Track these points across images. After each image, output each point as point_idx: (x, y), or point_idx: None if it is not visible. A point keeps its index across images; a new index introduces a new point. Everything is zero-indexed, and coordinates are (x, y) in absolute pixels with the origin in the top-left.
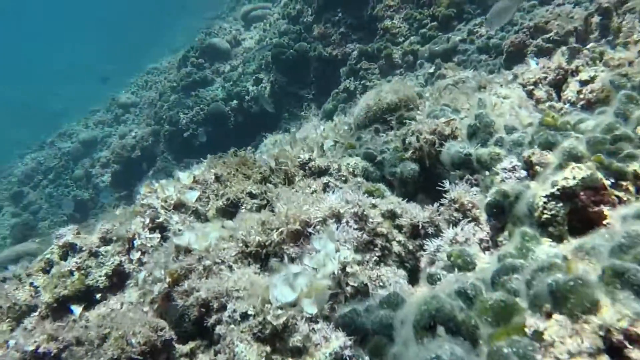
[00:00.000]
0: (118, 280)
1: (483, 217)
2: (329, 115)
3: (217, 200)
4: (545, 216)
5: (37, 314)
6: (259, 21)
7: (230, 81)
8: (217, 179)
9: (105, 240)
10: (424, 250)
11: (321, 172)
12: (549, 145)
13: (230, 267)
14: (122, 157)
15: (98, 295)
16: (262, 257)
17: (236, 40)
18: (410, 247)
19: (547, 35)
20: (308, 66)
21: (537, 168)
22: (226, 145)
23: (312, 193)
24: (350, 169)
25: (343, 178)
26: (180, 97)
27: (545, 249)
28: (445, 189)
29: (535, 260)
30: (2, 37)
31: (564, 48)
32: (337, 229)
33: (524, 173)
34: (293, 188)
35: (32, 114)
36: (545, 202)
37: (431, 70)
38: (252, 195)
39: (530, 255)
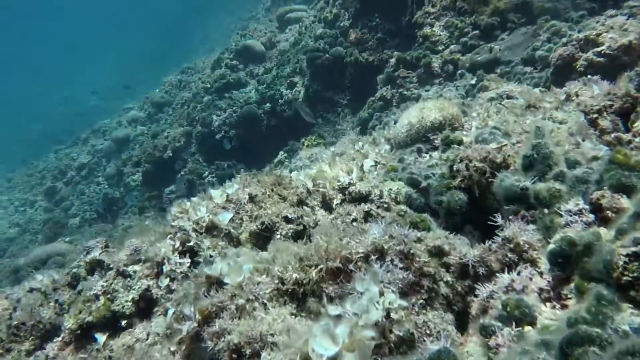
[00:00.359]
0: (145, 305)
1: (542, 262)
2: (364, 124)
3: (251, 222)
4: (626, 278)
5: (60, 339)
6: (294, 23)
7: (264, 84)
8: (252, 199)
9: (134, 260)
10: (475, 295)
11: (362, 198)
12: (621, 188)
13: (264, 305)
14: (154, 157)
15: (124, 322)
16: (299, 295)
17: (271, 42)
18: (459, 289)
19: (599, 49)
20: (343, 71)
21: (608, 213)
22: (258, 148)
23: (353, 222)
24: (393, 195)
25: (385, 205)
26: (214, 98)
27: (627, 318)
28: (497, 223)
29: (615, 329)
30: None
31: (631, 73)
32: (380, 267)
33: (591, 217)
34: (331, 214)
35: (69, 109)
36: (626, 262)
37: (472, 82)
38: (287, 220)
39: (609, 323)
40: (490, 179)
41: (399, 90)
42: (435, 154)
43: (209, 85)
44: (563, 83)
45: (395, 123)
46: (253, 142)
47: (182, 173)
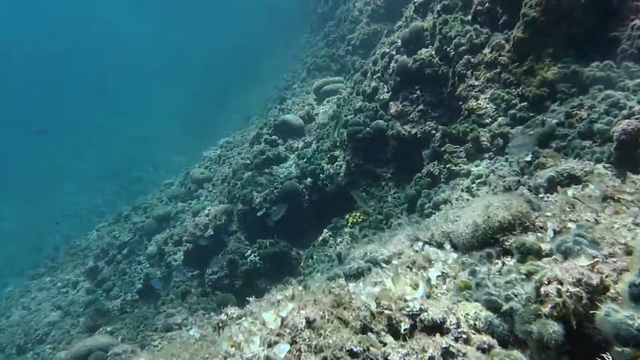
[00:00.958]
0: None
1: None
2: (413, 201)
3: (311, 355)
4: None
5: None
6: (331, 95)
7: (304, 158)
8: (309, 324)
9: None
10: None
11: (435, 326)
12: None
13: None
14: (195, 236)
15: None
16: None
17: (309, 115)
18: None
19: None
20: (385, 144)
21: None
22: (300, 225)
23: None
24: (471, 322)
25: (464, 336)
26: (254, 174)
27: None
28: None
29: None
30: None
31: None
32: None
33: None
34: (399, 340)
35: (117, 181)
36: None
37: (528, 159)
38: (353, 355)
39: None
40: (588, 306)
41: (447, 166)
42: (510, 262)
43: (248, 162)
44: (629, 160)
45: (446, 203)
46: (295, 218)
47: (222, 253)
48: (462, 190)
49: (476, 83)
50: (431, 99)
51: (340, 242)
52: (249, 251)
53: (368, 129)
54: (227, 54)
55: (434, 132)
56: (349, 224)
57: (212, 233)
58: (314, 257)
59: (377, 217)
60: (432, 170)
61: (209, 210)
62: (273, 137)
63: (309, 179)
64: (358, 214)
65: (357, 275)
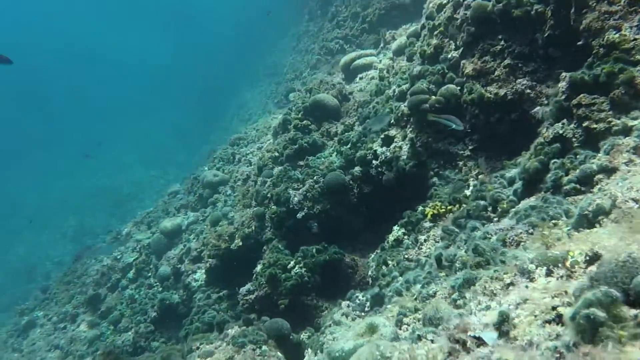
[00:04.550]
0: None
1: None
2: (534, 177)
3: None
4: None
5: None
6: (364, 71)
7: (347, 144)
8: None
9: None
10: None
11: None
12: None
13: None
14: (219, 249)
15: None
16: None
17: (342, 95)
18: None
19: None
20: (460, 114)
21: None
22: (351, 225)
23: None
24: None
25: None
26: (286, 168)
27: None
28: None
29: None
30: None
31: None
32: None
33: None
34: None
35: (105, 199)
36: None
37: None
38: None
39: None
40: None
41: (583, 124)
42: None
43: (277, 154)
44: None
45: (609, 172)
46: (342, 217)
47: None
48: (628, 152)
49: (614, 9)
50: (521, 50)
51: (425, 241)
52: (292, 262)
53: (437, 97)
54: (218, 59)
55: (528, 91)
56: (429, 218)
57: (240, 244)
58: (389, 263)
59: (479, 203)
60: (560, 131)
61: (232, 216)
62: (304, 121)
63: (357, 168)
64: (439, 204)
65: None
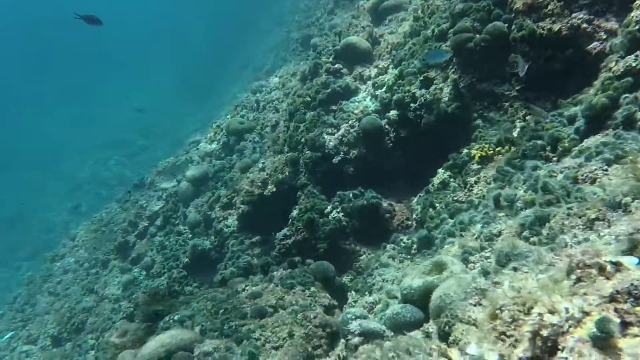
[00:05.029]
0: None
1: None
2: (597, 118)
3: None
4: None
5: None
6: (394, 12)
7: (382, 87)
8: None
9: None
10: None
11: None
12: None
13: None
14: (252, 195)
15: None
16: None
17: (373, 37)
18: None
19: None
20: (504, 54)
21: None
22: (387, 170)
23: None
24: None
25: None
26: (319, 113)
27: None
28: None
29: None
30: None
31: None
32: None
33: None
34: None
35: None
36: None
37: None
38: None
39: None
40: None
41: None
42: None
43: (308, 99)
44: None
45: None
46: (378, 163)
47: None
48: None
49: None
50: None
51: (476, 182)
52: (329, 207)
53: (483, 35)
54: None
55: (585, 25)
56: (476, 160)
57: (274, 189)
58: (436, 205)
59: (536, 143)
60: (634, 64)
61: (263, 163)
62: (336, 65)
63: (393, 112)
64: (486, 146)
65: None
